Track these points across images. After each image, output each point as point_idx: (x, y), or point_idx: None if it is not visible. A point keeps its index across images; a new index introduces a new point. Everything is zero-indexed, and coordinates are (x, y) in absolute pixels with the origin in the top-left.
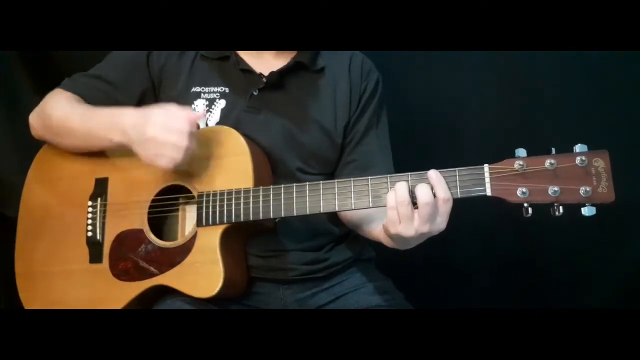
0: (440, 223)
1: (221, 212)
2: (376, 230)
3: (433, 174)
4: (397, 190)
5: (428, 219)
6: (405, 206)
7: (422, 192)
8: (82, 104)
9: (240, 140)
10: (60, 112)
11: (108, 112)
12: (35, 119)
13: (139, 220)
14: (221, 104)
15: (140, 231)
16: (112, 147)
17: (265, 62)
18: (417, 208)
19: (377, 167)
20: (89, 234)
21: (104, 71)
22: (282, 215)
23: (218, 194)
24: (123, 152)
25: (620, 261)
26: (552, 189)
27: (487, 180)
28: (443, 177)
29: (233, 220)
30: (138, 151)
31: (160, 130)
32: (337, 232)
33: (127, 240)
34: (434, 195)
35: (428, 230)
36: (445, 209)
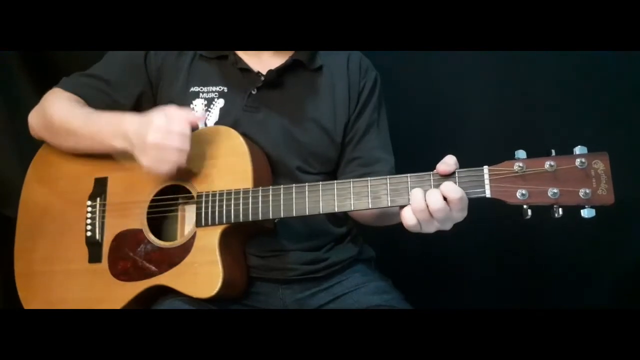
0: (461, 214)
1: (220, 212)
2: None
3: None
4: (413, 198)
5: (445, 219)
6: (422, 212)
7: (433, 199)
8: (83, 106)
9: (240, 141)
10: (61, 114)
11: (110, 117)
12: (34, 119)
13: (138, 220)
14: (220, 103)
15: (140, 231)
16: (112, 152)
17: (263, 61)
18: None
19: (380, 164)
20: (88, 233)
21: (102, 71)
22: (282, 216)
23: (217, 194)
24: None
25: (620, 261)
26: (552, 191)
27: (487, 181)
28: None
29: (232, 221)
30: (139, 158)
31: (162, 135)
32: (337, 232)
33: (126, 240)
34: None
35: (451, 223)
36: (459, 207)
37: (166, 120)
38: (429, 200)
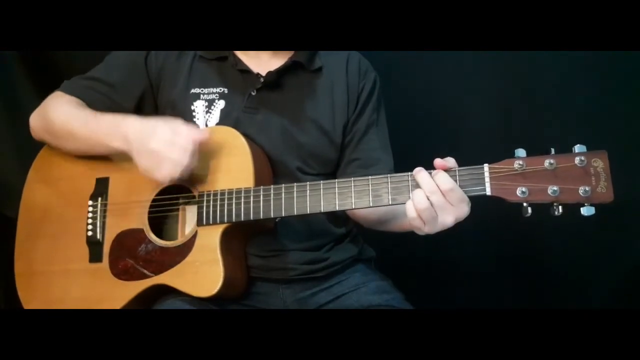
0: (461, 208)
1: (221, 211)
2: (407, 224)
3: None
4: (415, 198)
5: (444, 213)
6: (427, 211)
7: (442, 179)
8: (84, 108)
9: (241, 141)
10: (62, 116)
11: (111, 118)
12: (36, 121)
13: (139, 220)
14: (220, 104)
15: (141, 231)
16: (112, 153)
17: (263, 63)
18: None
19: (380, 165)
20: (89, 233)
21: (103, 73)
22: (283, 215)
23: (219, 194)
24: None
25: (620, 261)
26: (552, 189)
27: (487, 179)
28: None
29: (233, 220)
30: (137, 160)
31: (164, 145)
32: (337, 232)
33: (127, 239)
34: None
35: (452, 218)
36: (455, 198)
37: (171, 132)
38: (439, 180)
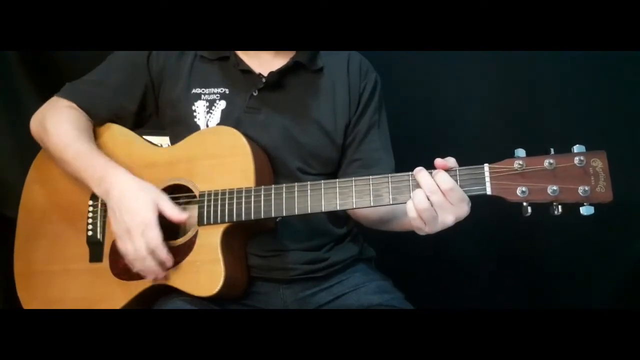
0: (461, 207)
1: (222, 211)
2: (408, 224)
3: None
4: (415, 198)
5: (444, 212)
6: (427, 211)
7: (443, 178)
8: (81, 135)
9: (242, 141)
10: (57, 139)
11: (102, 164)
12: (35, 126)
13: None
14: (221, 105)
15: None
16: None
17: (264, 63)
18: None
19: (381, 165)
20: (90, 233)
21: (104, 75)
22: (284, 215)
23: (220, 193)
24: (124, 152)
25: (620, 261)
26: (551, 189)
27: (487, 179)
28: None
29: (234, 219)
30: (110, 218)
31: (136, 229)
32: (337, 232)
33: None
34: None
35: (453, 217)
36: (455, 197)
37: (155, 243)
38: (439, 180)
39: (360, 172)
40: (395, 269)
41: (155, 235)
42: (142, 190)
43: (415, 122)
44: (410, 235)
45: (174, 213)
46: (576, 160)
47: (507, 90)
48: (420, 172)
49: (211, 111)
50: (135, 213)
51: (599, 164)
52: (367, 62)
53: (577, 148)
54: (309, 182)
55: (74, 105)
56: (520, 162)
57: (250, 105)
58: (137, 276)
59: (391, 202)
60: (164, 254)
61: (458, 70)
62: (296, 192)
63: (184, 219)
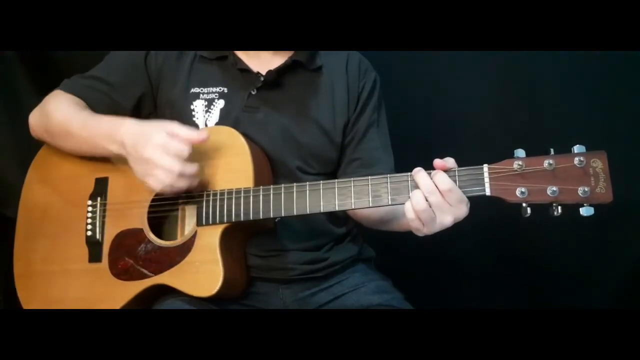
0: (460, 208)
1: (221, 211)
2: (408, 224)
3: (439, 176)
4: (414, 199)
5: (442, 213)
6: (425, 212)
7: (441, 178)
8: (83, 109)
9: (241, 140)
10: (61, 115)
11: (109, 121)
12: (35, 119)
13: (139, 220)
14: (220, 104)
15: (140, 231)
16: (109, 155)
17: (263, 62)
18: None
19: (381, 165)
20: (89, 233)
21: (103, 73)
22: (282, 215)
23: (218, 194)
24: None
25: (620, 261)
26: (551, 189)
27: (487, 180)
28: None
29: (233, 220)
30: (132, 166)
31: (158, 153)
32: (337, 232)
33: (127, 239)
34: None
35: (451, 217)
36: (453, 198)
37: (165, 139)
38: (438, 181)
39: (359, 171)
40: (395, 269)
41: (177, 144)
42: (151, 126)
43: (415, 122)
44: (409, 236)
45: (192, 133)
46: (576, 160)
47: (507, 90)
48: (419, 173)
49: (210, 110)
50: (150, 140)
51: (599, 164)
52: (366, 61)
53: (577, 148)
54: (307, 183)
55: (75, 98)
56: (520, 163)
57: (248, 104)
58: (137, 276)
59: (390, 203)
60: (192, 130)
61: (458, 70)
62: (295, 193)
63: (205, 137)
